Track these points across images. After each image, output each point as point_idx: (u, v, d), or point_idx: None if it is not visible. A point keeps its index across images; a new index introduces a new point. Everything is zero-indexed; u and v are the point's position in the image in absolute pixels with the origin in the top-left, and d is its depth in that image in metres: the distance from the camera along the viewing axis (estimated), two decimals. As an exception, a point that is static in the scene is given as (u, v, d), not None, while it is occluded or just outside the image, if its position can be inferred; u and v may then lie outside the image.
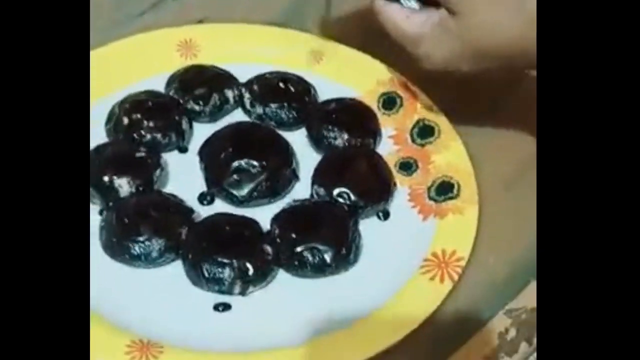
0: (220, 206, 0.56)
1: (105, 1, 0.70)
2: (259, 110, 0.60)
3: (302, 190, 0.57)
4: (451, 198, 0.56)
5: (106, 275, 0.51)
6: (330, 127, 0.59)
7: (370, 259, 0.53)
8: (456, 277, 0.51)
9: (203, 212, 0.54)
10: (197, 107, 0.60)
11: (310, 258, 0.51)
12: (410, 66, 0.61)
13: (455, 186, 0.57)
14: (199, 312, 0.50)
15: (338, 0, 0.68)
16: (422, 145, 0.60)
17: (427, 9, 0.53)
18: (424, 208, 0.56)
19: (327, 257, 0.51)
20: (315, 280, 0.52)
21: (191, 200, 0.55)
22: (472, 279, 0.52)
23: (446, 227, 0.54)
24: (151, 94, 0.59)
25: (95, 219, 0.53)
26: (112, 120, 0.58)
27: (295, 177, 0.57)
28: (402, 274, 0.52)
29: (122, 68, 0.62)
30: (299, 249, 0.51)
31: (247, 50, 0.64)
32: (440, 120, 0.61)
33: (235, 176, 0.55)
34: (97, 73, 0.60)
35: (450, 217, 0.55)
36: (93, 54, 0.61)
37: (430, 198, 0.57)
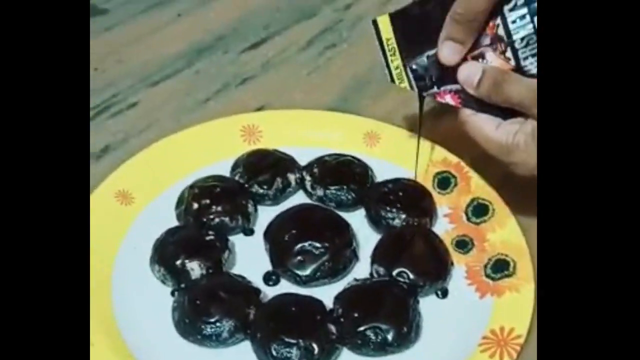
0: (284, 285, 0.58)
1: (176, 88, 0.75)
2: (320, 192, 0.63)
3: (361, 268, 0.59)
4: (507, 276, 0.58)
5: (178, 355, 0.54)
6: (387, 207, 0.61)
7: (431, 337, 0.55)
8: (515, 355, 0.52)
9: (268, 291, 0.57)
10: (261, 191, 0.63)
11: (373, 337, 0.53)
12: (463, 147, 0.64)
13: (511, 264, 0.58)
14: (267, 390, 0.52)
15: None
16: (477, 224, 0.62)
17: (512, 118, 0.55)
18: (481, 286, 0.58)
19: (389, 336, 0.53)
20: (377, 359, 0.54)
21: (256, 280, 0.58)
22: (531, 357, 0.53)
23: (503, 305, 0.56)
24: (218, 179, 0.63)
25: (168, 300, 0.56)
26: (182, 205, 0.61)
27: (355, 257, 0.59)
28: (462, 351, 0.53)
29: (190, 154, 0.66)
30: (361, 328, 0.53)
31: (307, 135, 0.68)
32: (494, 199, 0.63)
33: (299, 257, 0.57)
34: (167, 160, 0.65)
35: (507, 295, 0.56)
36: (163, 142, 0.66)
37: (487, 276, 0.58)
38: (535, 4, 0.53)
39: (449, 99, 0.57)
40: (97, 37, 0.79)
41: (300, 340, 0.52)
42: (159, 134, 0.68)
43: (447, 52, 0.55)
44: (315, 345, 0.52)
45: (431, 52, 0.56)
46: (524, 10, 0.53)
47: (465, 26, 0.54)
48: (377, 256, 0.59)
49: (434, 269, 0.58)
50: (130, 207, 0.62)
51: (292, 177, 0.64)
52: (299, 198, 0.65)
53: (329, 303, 0.56)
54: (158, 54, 0.79)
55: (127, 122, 0.72)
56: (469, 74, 0.55)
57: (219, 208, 0.60)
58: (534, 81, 0.53)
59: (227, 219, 0.60)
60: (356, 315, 0.54)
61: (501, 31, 0.54)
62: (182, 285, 0.56)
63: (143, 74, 0.77)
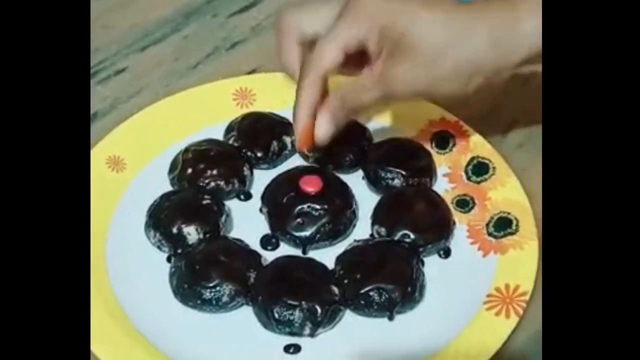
0: (283, 249, 0.57)
1: (164, 53, 0.73)
2: (316, 154, 0.62)
3: (361, 228, 0.58)
4: (510, 234, 0.57)
5: (177, 321, 0.53)
6: (387, 167, 0.60)
7: (435, 297, 0.54)
8: (521, 312, 0.52)
9: (267, 256, 0.56)
10: (256, 155, 0.61)
11: (377, 298, 0.52)
12: (461, 106, 0.63)
13: (514, 222, 0.57)
14: (269, 354, 0.51)
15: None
16: (478, 183, 0.61)
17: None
18: (484, 244, 0.57)
19: (393, 297, 0.52)
20: (381, 319, 0.53)
21: (255, 245, 0.56)
22: (537, 313, 0.52)
23: (507, 262, 0.55)
24: (212, 143, 0.61)
25: (164, 266, 0.55)
26: (176, 170, 0.60)
27: (355, 218, 0.58)
28: (467, 310, 0.52)
29: (183, 119, 0.64)
30: (365, 289, 0.52)
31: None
32: (493, 157, 0.62)
33: (298, 219, 0.56)
34: (159, 125, 0.63)
35: (511, 253, 0.55)
36: (154, 107, 0.64)
37: (490, 234, 0.57)
38: None
39: None
40: (81, 3, 0.77)
41: (303, 302, 0.51)
42: (149, 100, 0.66)
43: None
44: (318, 307, 0.51)
45: None
46: None
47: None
48: (378, 216, 0.58)
49: (436, 228, 0.57)
50: (122, 173, 0.60)
51: (288, 140, 0.62)
52: (295, 161, 0.63)
53: (330, 265, 0.55)
54: (145, 19, 0.76)
55: (115, 87, 0.70)
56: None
57: (214, 172, 0.59)
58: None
59: (222, 183, 0.59)
60: (359, 276, 0.53)
61: None
62: (179, 251, 0.55)
63: (130, 39, 0.75)
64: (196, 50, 0.74)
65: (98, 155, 0.60)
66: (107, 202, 0.58)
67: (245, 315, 0.53)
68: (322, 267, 0.54)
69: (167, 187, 0.60)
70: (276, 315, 0.51)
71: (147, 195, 0.58)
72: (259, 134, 0.62)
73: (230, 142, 0.62)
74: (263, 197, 0.59)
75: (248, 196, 0.60)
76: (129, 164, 0.61)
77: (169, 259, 0.55)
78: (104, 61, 0.72)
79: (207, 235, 0.55)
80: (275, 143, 0.62)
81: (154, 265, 0.55)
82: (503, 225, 0.57)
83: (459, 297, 0.54)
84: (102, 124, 0.65)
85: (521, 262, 0.55)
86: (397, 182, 0.60)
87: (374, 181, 0.60)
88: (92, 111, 0.67)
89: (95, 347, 0.48)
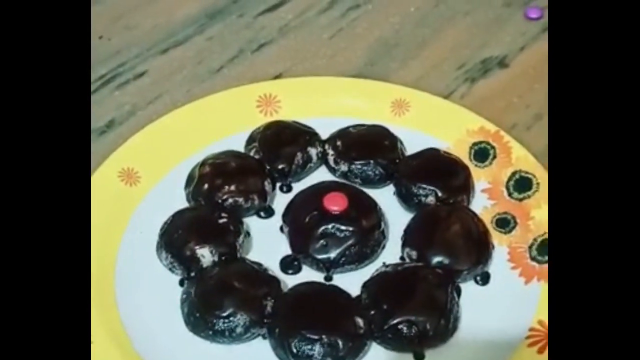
0: (305, 273, 0.53)
1: (187, 56, 0.69)
2: (344, 167, 0.57)
3: (391, 250, 0.54)
4: (556, 258, 0.52)
5: (187, 352, 0.49)
6: (419, 183, 0.55)
7: (470, 329, 0.49)
8: (568, 350, 0.47)
9: (288, 280, 0.51)
10: (279, 167, 0.57)
11: (406, 331, 0.47)
12: (502, 114, 0.58)
13: (560, 245, 0.52)
14: (287, 391, 0.47)
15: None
16: (520, 200, 0.56)
17: None
18: (526, 270, 0.52)
19: (424, 329, 0.47)
20: (410, 354, 0.48)
21: (274, 267, 0.52)
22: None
23: (552, 291, 0.50)
24: (231, 155, 0.57)
25: (176, 291, 0.51)
26: (192, 184, 0.56)
27: (384, 239, 0.53)
28: (506, 346, 0.48)
29: (202, 128, 0.60)
30: (393, 322, 0.47)
31: (329, 104, 0.62)
32: (538, 171, 0.57)
33: (322, 241, 0.52)
34: (177, 135, 0.59)
35: (556, 281, 0.50)
36: (171, 115, 0.61)
37: (533, 258, 0.53)
38: None
39: None
40: (101, 2, 0.73)
41: (324, 336, 0.46)
42: (169, 106, 0.63)
43: None
44: (340, 341, 0.46)
45: None
46: None
47: None
48: (409, 238, 0.53)
49: (473, 251, 0.52)
50: (135, 187, 0.57)
51: (313, 152, 0.58)
52: (321, 175, 0.59)
53: (356, 292, 0.50)
54: (168, 19, 0.73)
55: (134, 93, 0.66)
56: None
57: (233, 187, 0.54)
58: None
59: (241, 199, 0.54)
60: (386, 306, 0.48)
61: None
62: (192, 274, 0.51)
63: (151, 41, 0.71)
64: (220, 52, 0.70)
65: (110, 167, 0.56)
66: (117, 218, 0.54)
67: (260, 348, 0.48)
68: (346, 295, 0.49)
69: (183, 203, 0.56)
70: (294, 350, 0.46)
71: (161, 212, 0.54)
72: (282, 144, 0.58)
73: (251, 153, 0.58)
74: (284, 216, 0.54)
75: (269, 213, 0.56)
76: (144, 177, 0.57)
77: (181, 283, 0.51)
78: (124, 64, 0.69)
79: (223, 258, 0.51)
80: (299, 155, 0.57)
81: (165, 289, 0.51)
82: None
83: (498, 331, 0.49)
84: (118, 133, 0.62)
85: (567, 292, 0.50)
86: (430, 199, 0.55)
87: (405, 198, 0.56)
88: (108, 119, 0.64)
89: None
